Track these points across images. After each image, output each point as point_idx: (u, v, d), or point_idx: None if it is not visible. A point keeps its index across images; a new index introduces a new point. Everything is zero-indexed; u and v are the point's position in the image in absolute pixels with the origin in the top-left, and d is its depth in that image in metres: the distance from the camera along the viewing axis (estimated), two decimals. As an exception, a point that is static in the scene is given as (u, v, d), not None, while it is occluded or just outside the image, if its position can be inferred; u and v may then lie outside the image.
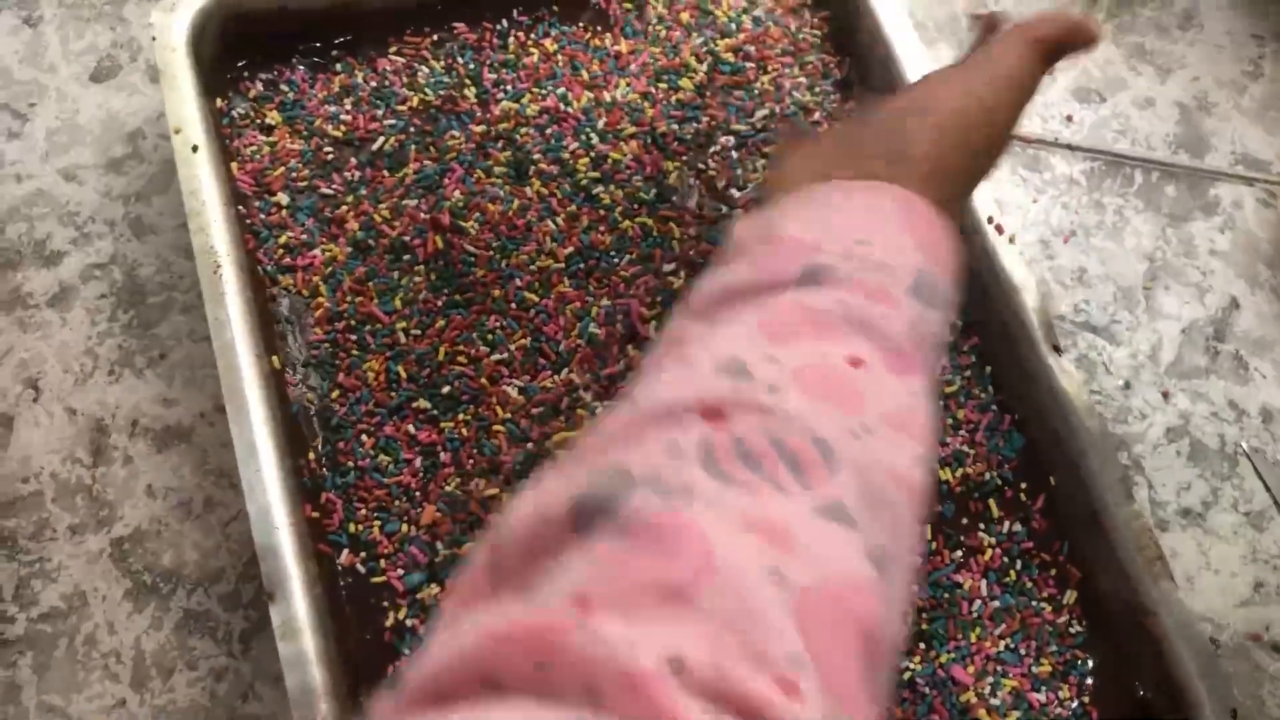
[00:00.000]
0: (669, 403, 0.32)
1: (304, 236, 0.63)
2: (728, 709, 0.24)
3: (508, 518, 0.31)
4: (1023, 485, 0.61)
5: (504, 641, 0.26)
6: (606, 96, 0.67)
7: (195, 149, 0.60)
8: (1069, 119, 0.75)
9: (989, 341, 0.63)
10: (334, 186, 0.64)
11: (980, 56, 0.45)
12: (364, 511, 0.57)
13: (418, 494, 0.58)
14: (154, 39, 0.62)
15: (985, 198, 0.63)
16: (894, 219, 0.39)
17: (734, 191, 0.65)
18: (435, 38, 0.69)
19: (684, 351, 0.34)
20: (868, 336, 0.35)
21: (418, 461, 0.58)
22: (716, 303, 0.37)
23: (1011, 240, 0.62)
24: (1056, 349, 0.60)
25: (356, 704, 0.53)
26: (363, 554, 0.57)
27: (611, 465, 0.30)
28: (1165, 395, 0.68)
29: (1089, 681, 0.58)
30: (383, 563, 0.57)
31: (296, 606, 0.52)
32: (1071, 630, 0.59)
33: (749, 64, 0.68)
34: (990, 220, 0.62)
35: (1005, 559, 0.59)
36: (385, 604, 0.56)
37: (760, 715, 0.25)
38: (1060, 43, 0.46)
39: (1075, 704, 0.57)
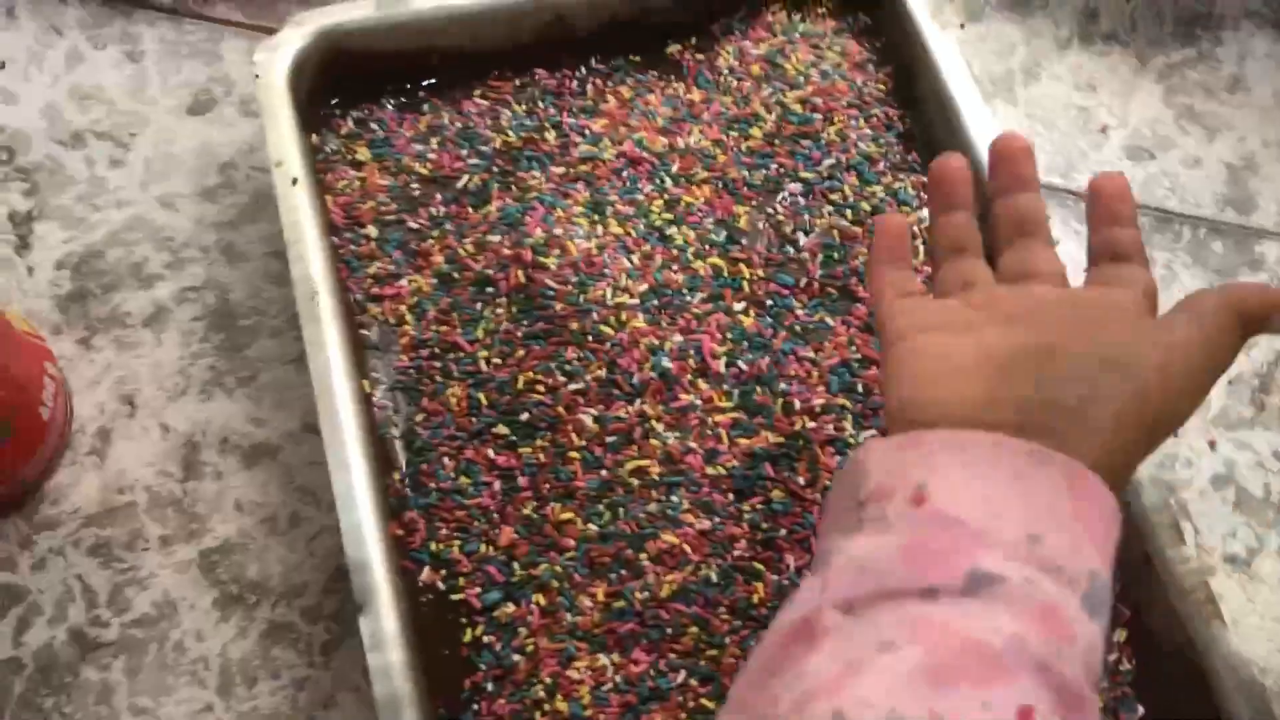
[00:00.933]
0: None
1: (391, 268, 0.66)
2: None
3: None
4: (1076, 526, 0.63)
5: None
6: (680, 143, 0.70)
7: (295, 181, 0.64)
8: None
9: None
10: (420, 221, 0.67)
11: (1179, 315, 0.41)
12: (444, 531, 0.60)
13: (496, 516, 0.60)
14: (257, 76, 0.66)
15: (1043, 249, 0.65)
16: (1068, 504, 0.34)
17: (801, 235, 0.68)
18: (517, 82, 0.73)
19: (834, 684, 0.31)
20: (1041, 680, 0.31)
21: (496, 484, 0.61)
22: (860, 595, 0.33)
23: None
24: (1112, 395, 0.62)
25: (437, 716, 0.56)
26: (443, 572, 0.59)
27: None
28: (1211, 444, 0.71)
29: (1138, 718, 0.60)
30: (461, 580, 0.59)
31: (385, 619, 0.54)
32: (1121, 668, 0.61)
33: (816, 115, 0.72)
34: (1049, 270, 0.65)
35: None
36: (463, 620, 0.58)
37: None
38: (1267, 315, 0.40)
39: (1126, 739, 0.59)
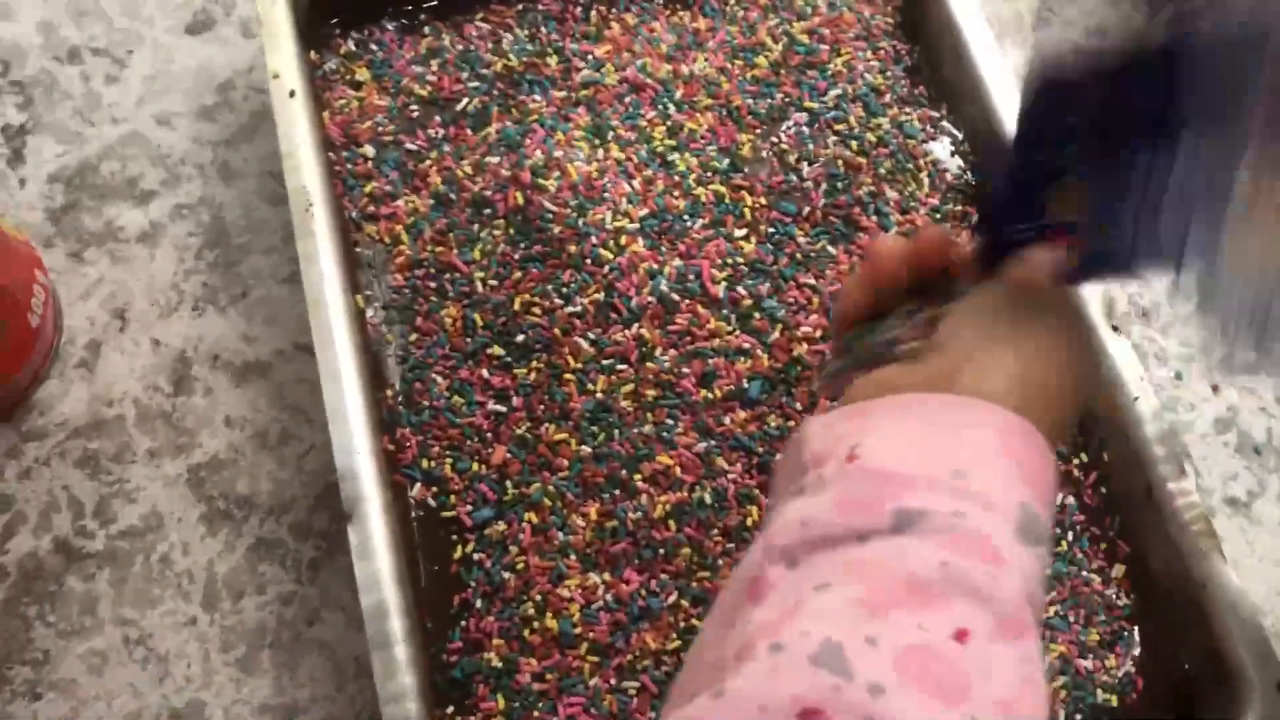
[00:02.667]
0: (763, 699, 0.30)
1: (388, 187, 0.65)
2: None
3: None
4: (1076, 460, 0.62)
5: None
6: (684, 70, 0.69)
7: (292, 94, 0.63)
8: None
9: (1048, 320, 0.65)
10: (418, 142, 0.66)
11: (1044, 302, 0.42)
12: (437, 449, 0.59)
13: (489, 435, 0.60)
14: (256, -11, 0.65)
15: (1050, 183, 0.65)
16: (997, 446, 0.36)
17: (804, 165, 0.67)
18: (520, 7, 0.71)
19: (773, 626, 0.32)
20: (974, 601, 0.32)
21: (490, 404, 0.60)
22: (799, 547, 0.34)
23: (1074, 223, 0.64)
24: (1115, 329, 0.61)
25: (424, 629, 0.55)
26: (434, 489, 0.58)
27: None
28: (1214, 388, 0.70)
29: (1135, 651, 0.59)
30: (453, 498, 0.58)
31: (373, 528, 0.54)
32: (1120, 602, 0.60)
33: (823, 45, 0.70)
34: (1055, 203, 0.64)
35: (1057, 530, 0.61)
36: (454, 537, 0.58)
37: None
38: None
39: (1121, 672, 0.59)
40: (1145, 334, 0.71)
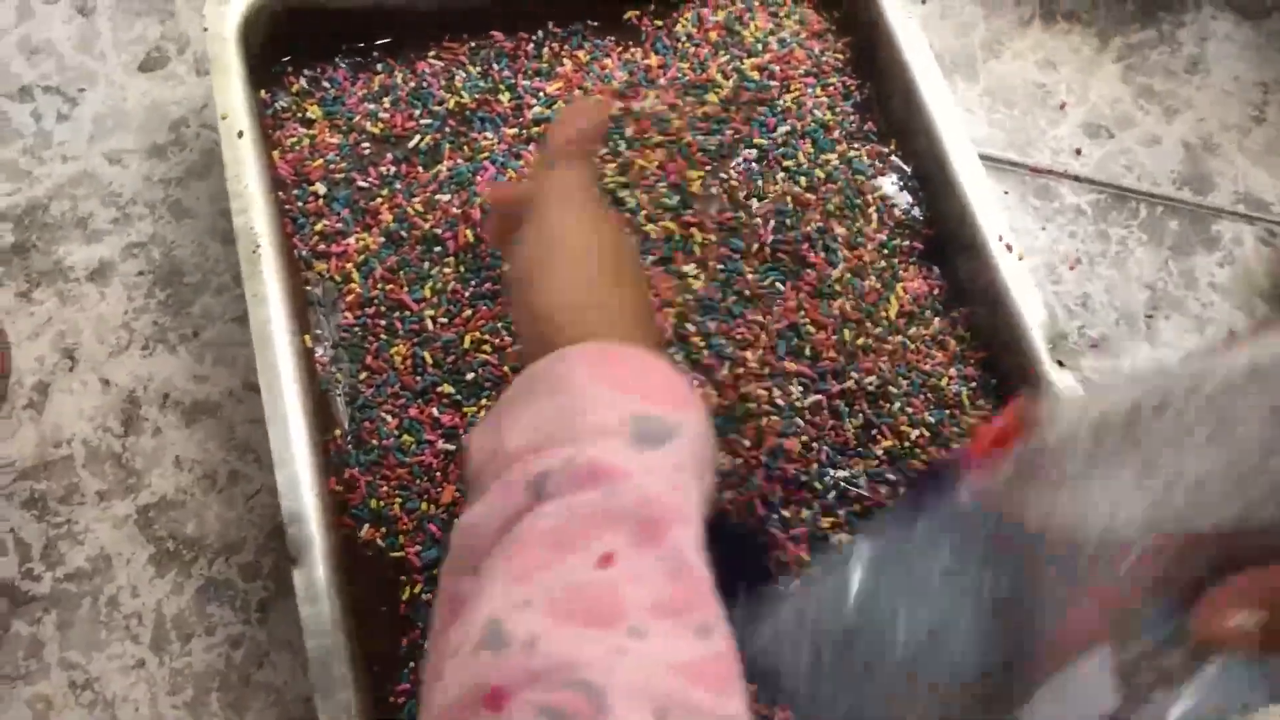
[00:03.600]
0: (453, 702, 0.33)
1: (339, 225, 0.65)
2: None
3: None
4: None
5: None
6: (635, 106, 0.70)
7: (240, 134, 0.63)
8: (1078, 152, 0.78)
9: (995, 354, 0.65)
10: (369, 180, 0.67)
11: (543, 202, 0.47)
12: (385, 489, 0.59)
13: (438, 474, 0.60)
14: (206, 29, 0.65)
15: (997, 218, 0.65)
16: (598, 381, 0.39)
17: (754, 201, 0.67)
18: (473, 44, 0.72)
19: (455, 631, 0.36)
20: (607, 524, 0.35)
21: (439, 443, 0.60)
22: (473, 554, 0.38)
23: (1020, 258, 0.64)
24: (1060, 363, 0.62)
25: (371, 671, 0.55)
26: (383, 529, 0.58)
27: None
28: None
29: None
30: (401, 538, 0.58)
31: (318, 572, 0.54)
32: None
33: (773, 82, 0.71)
34: (1000, 238, 0.64)
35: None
36: (402, 578, 0.58)
37: None
38: (583, 141, 0.49)
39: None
40: (1095, 366, 0.71)
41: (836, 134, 0.71)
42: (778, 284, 0.65)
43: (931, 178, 0.69)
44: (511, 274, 0.47)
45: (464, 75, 0.70)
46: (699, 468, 0.40)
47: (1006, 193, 0.76)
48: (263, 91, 0.68)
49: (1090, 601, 0.35)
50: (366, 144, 0.68)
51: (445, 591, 0.39)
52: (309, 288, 0.64)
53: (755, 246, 0.66)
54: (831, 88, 0.72)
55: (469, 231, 0.64)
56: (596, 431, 0.38)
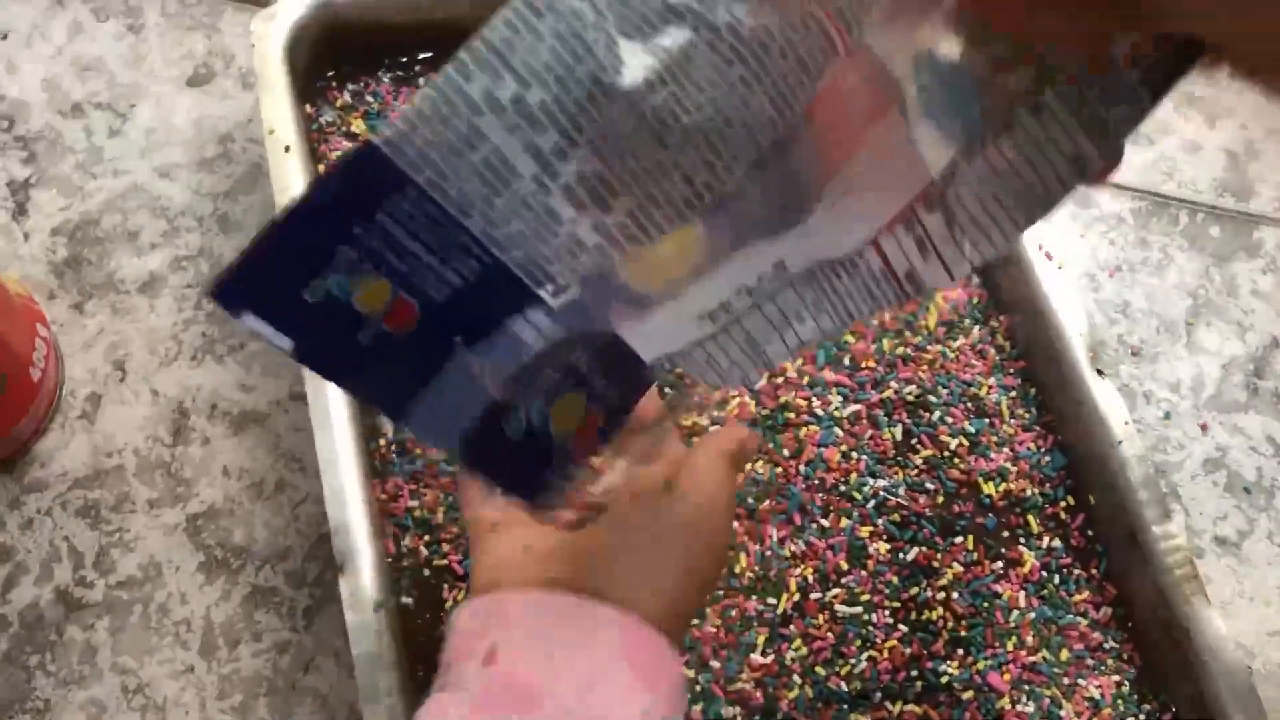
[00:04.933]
0: None
1: (382, 237, 0.66)
2: None
3: None
4: (1063, 503, 0.63)
5: None
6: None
7: (287, 149, 0.64)
8: (1117, 159, 0.78)
9: (1035, 363, 0.65)
10: (412, 192, 0.68)
11: (702, 491, 0.44)
12: (429, 496, 0.60)
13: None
14: (253, 45, 0.66)
15: (1036, 229, 0.65)
16: (623, 656, 0.38)
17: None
18: (513, 57, 0.73)
19: None
20: None
21: (481, 452, 0.61)
22: None
23: (1060, 268, 0.64)
24: (1100, 372, 0.62)
25: (415, 677, 0.56)
26: (426, 538, 0.59)
27: None
28: (1204, 428, 0.70)
29: (1122, 696, 0.59)
30: (445, 547, 0.59)
31: (364, 579, 0.55)
32: (1106, 646, 0.60)
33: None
34: (1040, 247, 0.64)
35: (1044, 573, 0.61)
36: (445, 585, 0.59)
37: None
38: (744, 454, 0.47)
39: (1108, 715, 0.59)
40: (1133, 374, 0.71)
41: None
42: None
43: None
44: (639, 520, 0.43)
45: (504, 88, 0.71)
46: None
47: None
48: (308, 106, 0.69)
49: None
50: (409, 157, 0.69)
51: None
52: (353, 299, 0.65)
53: (793, 256, 0.66)
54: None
55: (510, 243, 0.65)
56: (604, 709, 0.37)
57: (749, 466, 0.61)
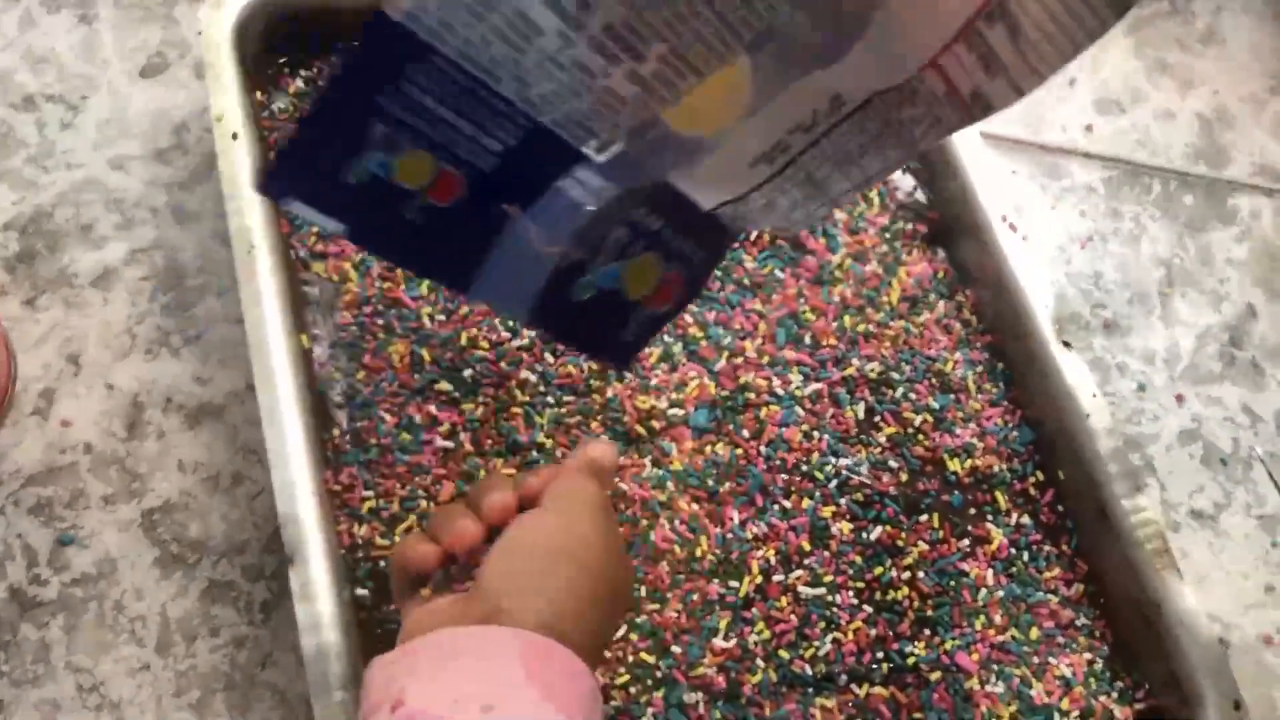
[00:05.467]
0: None
1: (336, 224, 0.65)
2: None
3: None
4: (1031, 479, 0.62)
5: None
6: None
7: (235, 136, 0.63)
8: (1089, 128, 0.76)
9: (1002, 338, 0.64)
10: (367, 178, 0.67)
11: (561, 500, 0.46)
12: (384, 486, 0.59)
13: (438, 471, 0.60)
14: (200, 33, 0.65)
15: (1001, 199, 0.64)
16: (522, 673, 0.39)
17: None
18: (469, 39, 0.72)
19: None
20: None
21: (438, 441, 0.60)
22: None
23: (1025, 239, 0.63)
24: (1067, 344, 0.61)
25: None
26: (382, 528, 0.58)
27: None
28: (1179, 399, 0.69)
29: (1094, 674, 0.58)
30: (399, 536, 0.58)
31: (315, 571, 0.54)
32: (1078, 623, 0.59)
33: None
34: (1004, 219, 0.63)
35: (1013, 550, 0.60)
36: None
37: None
38: (598, 465, 0.48)
39: (1080, 694, 0.58)
40: (1106, 346, 0.70)
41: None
42: (777, 271, 0.64)
43: (934, 159, 0.68)
44: (513, 537, 0.45)
45: (460, 71, 0.70)
46: None
47: (1015, 172, 0.75)
48: (259, 93, 0.68)
49: None
50: (363, 143, 0.68)
51: None
52: (306, 288, 0.64)
53: (754, 234, 0.65)
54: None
55: (465, 227, 0.64)
56: None
57: (708, 449, 0.60)
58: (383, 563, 0.57)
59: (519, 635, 0.40)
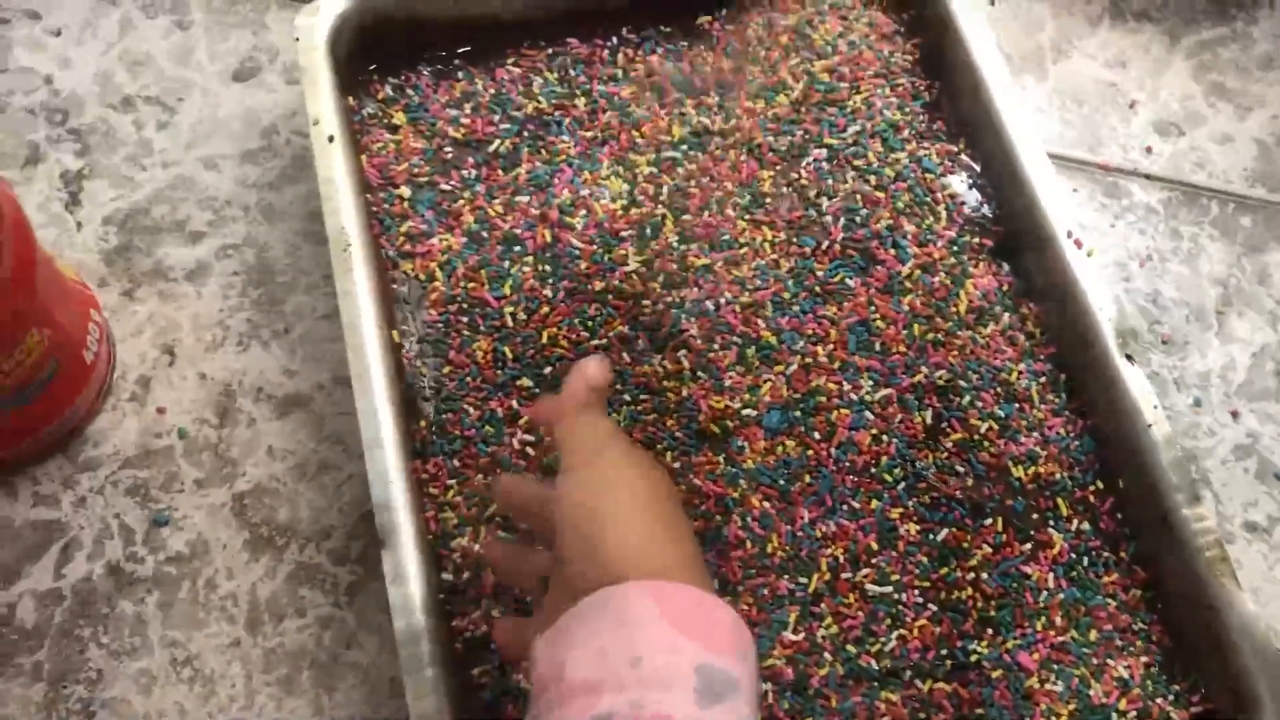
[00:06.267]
0: None
1: (423, 226, 0.68)
2: None
3: None
4: (1092, 487, 0.64)
5: None
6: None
7: (331, 139, 0.66)
8: (1149, 150, 0.78)
9: (1065, 349, 0.66)
10: (452, 183, 0.69)
11: (579, 451, 0.50)
12: (468, 476, 0.62)
13: (520, 464, 0.62)
14: (297, 39, 0.68)
15: (1066, 215, 0.66)
16: (663, 619, 0.40)
17: (824, 200, 0.69)
18: (550, 51, 0.74)
19: None
20: None
21: (519, 434, 0.62)
22: None
23: (1090, 255, 0.65)
24: (1129, 358, 0.63)
25: (454, 651, 0.57)
26: (465, 515, 0.61)
27: None
28: (1234, 414, 0.71)
29: (1151, 676, 0.60)
30: (483, 527, 0.61)
31: (406, 554, 0.56)
32: (1135, 627, 0.61)
33: (843, 84, 0.73)
34: (1069, 234, 0.65)
35: (1073, 555, 0.62)
36: (484, 567, 0.60)
37: None
38: (594, 391, 0.52)
39: (1137, 695, 0.59)
40: (1163, 362, 0.72)
41: (906, 133, 0.72)
42: (848, 280, 0.67)
43: (1000, 175, 0.70)
44: (565, 513, 0.48)
45: (541, 81, 0.73)
46: (754, 716, 0.41)
47: (1076, 190, 0.77)
48: (350, 99, 0.71)
49: None
50: (449, 148, 0.70)
51: None
52: (395, 286, 0.66)
53: (826, 244, 0.67)
54: (901, 88, 0.74)
55: (546, 232, 0.67)
56: (662, 681, 0.39)
57: (779, 449, 0.62)
58: (463, 551, 0.60)
59: (648, 586, 0.42)
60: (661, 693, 0.38)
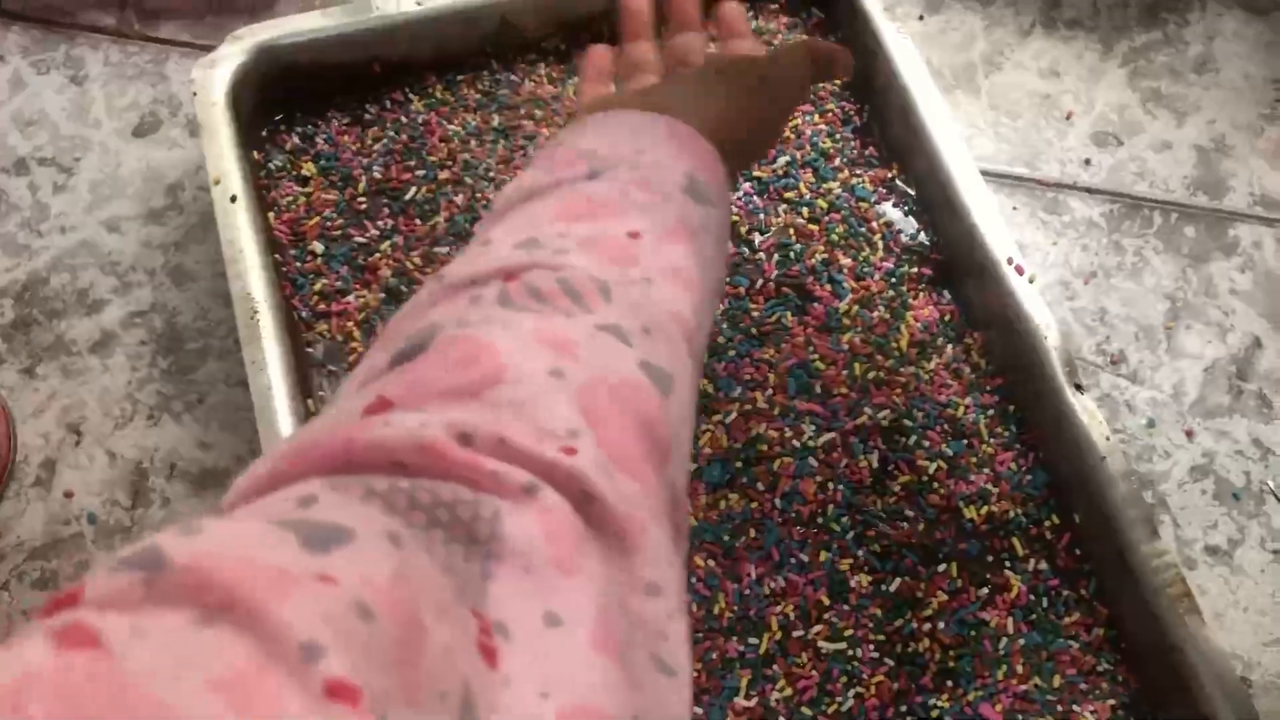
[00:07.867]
0: (472, 275, 0.36)
1: (338, 283, 0.65)
2: (513, 463, 0.28)
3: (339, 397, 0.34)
4: (1047, 523, 0.61)
5: (312, 446, 0.28)
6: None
7: (234, 199, 0.62)
8: (1087, 162, 0.76)
9: (1012, 381, 0.64)
10: (368, 235, 0.66)
11: (771, 53, 0.52)
12: (396, 551, 0.58)
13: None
14: (194, 94, 0.65)
15: (1005, 240, 0.64)
16: (668, 139, 0.43)
17: (755, 235, 0.66)
18: (466, 91, 0.71)
19: (486, 237, 0.39)
20: (643, 214, 0.39)
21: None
22: (515, 202, 0.40)
23: (1031, 280, 0.63)
24: (1079, 387, 0.60)
25: None
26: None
27: (423, 323, 0.34)
28: (1189, 434, 0.69)
29: (1118, 718, 0.58)
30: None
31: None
32: (1100, 669, 0.59)
33: (770, 112, 0.70)
34: (1010, 261, 0.63)
35: (1032, 596, 0.59)
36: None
37: (539, 463, 0.28)
38: (830, 64, 0.52)
39: (1104, 742, 0.57)
40: (1114, 383, 0.70)
41: (837, 161, 0.69)
42: (784, 320, 0.64)
43: (936, 200, 0.68)
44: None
45: (458, 123, 0.70)
46: (721, 254, 0.43)
47: (1016, 209, 0.75)
48: (255, 152, 0.68)
49: None
50: (362, 198, 0.67)
51: (481, 230, 0.41)
52: (310, 349, 0.63)
53: (760, 282, 0.65)
54: (830, 114, 0.71)
55: (469, 283, 0.64)
56: (658, 164, 0.41)
57: (722, 504, 0.59)
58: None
59: (671, 123, 0.43)
60: (655, 173, 0.41)
